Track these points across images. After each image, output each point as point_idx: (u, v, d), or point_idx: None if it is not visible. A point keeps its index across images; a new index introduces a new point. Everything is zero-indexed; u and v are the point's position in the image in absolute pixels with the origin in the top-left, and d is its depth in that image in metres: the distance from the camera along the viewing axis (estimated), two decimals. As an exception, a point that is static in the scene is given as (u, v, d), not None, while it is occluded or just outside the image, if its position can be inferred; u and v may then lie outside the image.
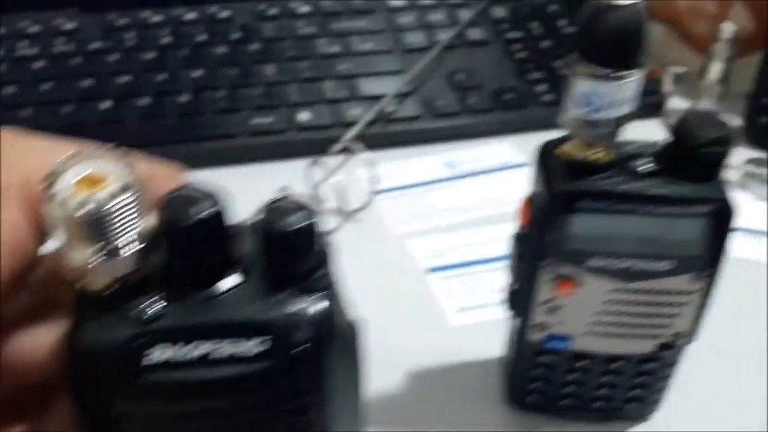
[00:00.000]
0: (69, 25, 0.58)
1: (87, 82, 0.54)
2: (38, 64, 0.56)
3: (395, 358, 0.40)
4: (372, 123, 0.54)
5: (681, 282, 0.30)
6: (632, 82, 0.27)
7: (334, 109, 0.55)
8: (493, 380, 0.39)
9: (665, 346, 0.33)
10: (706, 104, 0.59)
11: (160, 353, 0.19)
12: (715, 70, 0.57)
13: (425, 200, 0.51)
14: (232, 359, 0.20)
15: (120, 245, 0.19)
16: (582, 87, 0.27)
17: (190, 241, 0.19)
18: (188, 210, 0.19)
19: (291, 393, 0.21)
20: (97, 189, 0.18)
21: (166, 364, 0.19)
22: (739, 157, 0.54)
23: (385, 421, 0.37)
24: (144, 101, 0.53)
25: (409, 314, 0.43)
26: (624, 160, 0.29)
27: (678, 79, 0.63)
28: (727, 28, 0.56)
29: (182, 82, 0.55)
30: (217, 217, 0.20)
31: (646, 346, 0.33)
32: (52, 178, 0.19)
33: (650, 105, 0.59)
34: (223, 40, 0.59)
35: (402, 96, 0.56)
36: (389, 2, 0.63)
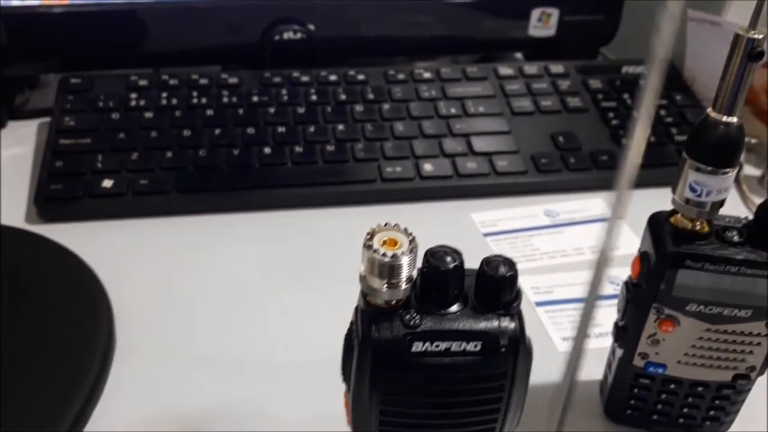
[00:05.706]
0: (232, 80, 0.70)
1: (250, 130, 0.66)
2: (209, 112, 0.67)
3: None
4: (484, 175, 0.64)
5: (756, 326, 0.39)
6: (730, 176, 0.36)
7: (452, 162, 0.65)
8: (594, 398, 0.48)
9: (740, 377, 0.42)
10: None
11: (420, 346, 0.30)
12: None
13: (530, 243, 0.61)
14: (461, 353, 0.30)
15: (399, 282, 0.30)
16: (691, 178, 0.36)
17: (444, 280, 0.30)
18: (446, 260, 0.30)
19: (494, 376, 0.31)
20: (393, 248, 0.29)
21: (424, 353, 0.30)
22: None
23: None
24: (298, 148, 0.64)
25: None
26: (718, 232, 0.38)
27: (750, 148, 0.72)
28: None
29: (328, 134, 0.66)
30: (461, 266, 0.30)
31: (725, 376, 0.42)
32: (370, 234, 0.30)
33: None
34: (360, 99, 0.69)
35: (510, 153, 0.66)
36: (499, 71, 0.74)
